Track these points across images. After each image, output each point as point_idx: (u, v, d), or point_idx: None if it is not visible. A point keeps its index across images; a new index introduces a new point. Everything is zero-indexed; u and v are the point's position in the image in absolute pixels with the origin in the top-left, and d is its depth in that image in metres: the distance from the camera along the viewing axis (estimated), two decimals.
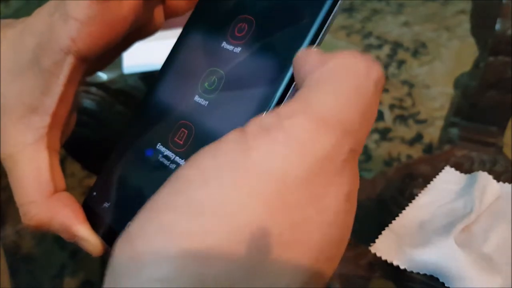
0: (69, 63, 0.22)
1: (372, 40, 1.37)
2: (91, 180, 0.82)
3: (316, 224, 0.17)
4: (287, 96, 0.21)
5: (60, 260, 0.84)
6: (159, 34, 0.38)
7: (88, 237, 0.24)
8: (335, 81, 0.18)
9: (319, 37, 0.21)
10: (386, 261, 0.40)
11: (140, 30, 0.26)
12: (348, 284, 0.42)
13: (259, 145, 0.17)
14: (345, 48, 1.34)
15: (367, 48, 1.33)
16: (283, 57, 0.21)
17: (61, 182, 0.25)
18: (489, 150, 0.50)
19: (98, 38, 0.22)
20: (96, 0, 0.21)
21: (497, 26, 0.45)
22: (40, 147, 0.24)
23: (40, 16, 0.23)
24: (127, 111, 0.50)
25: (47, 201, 0.24)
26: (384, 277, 0.42)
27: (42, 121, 0.23)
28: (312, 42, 0.21)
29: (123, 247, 0.17)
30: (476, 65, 0.51)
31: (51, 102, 0.23)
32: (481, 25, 0.51)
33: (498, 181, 0.45)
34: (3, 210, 0.67)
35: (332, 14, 0.21)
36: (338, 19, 1.49)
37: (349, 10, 1.51)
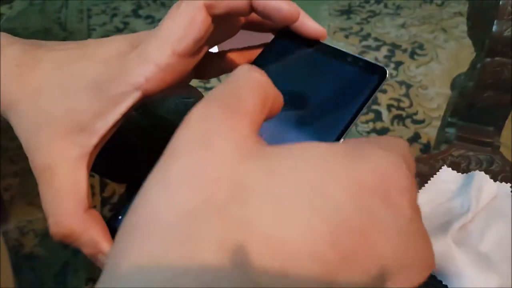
0: (134, 96, 0.24)
1: (370, 42, 1.37)
2: (93, 180, 0.82)
3: None
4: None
5: (62, 258, 0.84)
6: None
7: None
8: None
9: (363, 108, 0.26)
10: None
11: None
12: None
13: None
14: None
15: (365, 50, 1.34)
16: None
17: (90, 200, 0.26)
18: (486, 150, 0.50)
19: (165, 83, 0.25)
20: (177, 52, 0.24)
21: (494, 28, 0.46)
22: (82, 163, 0.25)
23: (111, 51, 0.25)
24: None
25: (82, 215, 0.24)
26: None
27: (89, 140, 0.25)
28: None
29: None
30: (473, 66, 0.51)
31: (103, 125, 0.24)
32: (478, 26, 0.51)
33: (495, 180, 0.45)
34: (5, 210, 0.67)
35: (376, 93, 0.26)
36: (337, 21, 1.50)
37: (348, 12, 1.52)
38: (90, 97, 0.24)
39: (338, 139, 0.24)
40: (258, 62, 0.29)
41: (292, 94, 0.26)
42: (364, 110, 0.26)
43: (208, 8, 0.24)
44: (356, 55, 0.27)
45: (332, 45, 0.28)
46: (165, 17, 0.25)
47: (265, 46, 0.29)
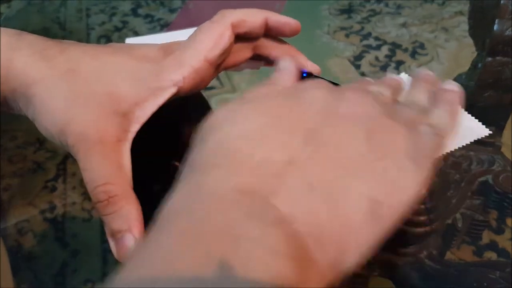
0: (171, 91, 0.29)
1: (371, 41, 1.37)
2: None
3: None
4: None
5: (61, 259, 0.84)
6: (162, 36, 0.38)
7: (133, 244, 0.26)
8: None
9: None
10: (384, 259, 0.40)
11: None
12: (346, 283, 0.42)
13: None
14: (344, 49, 1.34)
15: (366, 49, 1.34)
16: None
17: (131, 182, 0.28)
18: (487, 149, 0.50)
19: (195, 84, 0.29)
20: (208, 59, 0.29)
21: (495, 27, 0.46)
22: (125, 145, 0.27)
23: (147, 52, 0.30)
24: None
25: (129, 188, 0.27)
26: (382, 275, 0.42)
27: (132, 126, 0.28)
28: None
29: None
30: (474, 65, 0.51)
31: (142, 114, 0.28)
32: (479, 26, 0.51)
33: (497, 180, 0.45)
34: (4, 210, 0.67)
35: None
36: (337, 20, 1.49)
37: (348, 11, 1.52)
38: (130, 86, 0.28)
39: None
40: None
41: None
42: None
43: (234, 27, 0.31)
44: None
45: (332, 81, 0.33)
46: (197, 32, 0.30)
47: None
